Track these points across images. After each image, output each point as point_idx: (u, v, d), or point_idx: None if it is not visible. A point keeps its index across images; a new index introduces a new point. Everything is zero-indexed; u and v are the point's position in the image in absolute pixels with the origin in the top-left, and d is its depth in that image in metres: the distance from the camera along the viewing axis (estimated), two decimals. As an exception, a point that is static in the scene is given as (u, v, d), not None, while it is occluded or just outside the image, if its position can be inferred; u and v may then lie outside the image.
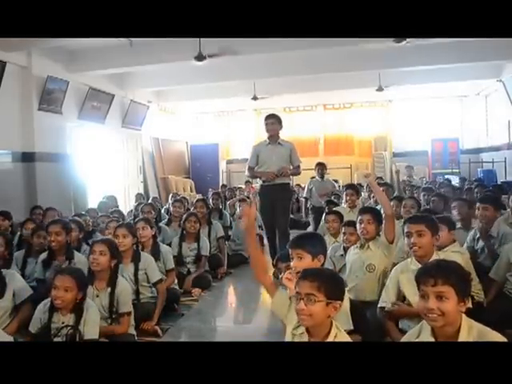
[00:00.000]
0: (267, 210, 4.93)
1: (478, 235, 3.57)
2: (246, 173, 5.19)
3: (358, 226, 3.14)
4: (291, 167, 4.96)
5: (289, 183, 5.11)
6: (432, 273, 1.71)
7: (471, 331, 1.68)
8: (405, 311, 2.56)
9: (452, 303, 1.66)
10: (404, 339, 1.92)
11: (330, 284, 1.78)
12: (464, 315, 1.71)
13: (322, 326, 1.77)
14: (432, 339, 1.71)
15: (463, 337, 1.67)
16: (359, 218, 3.14)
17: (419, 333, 1.81)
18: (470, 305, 1.73)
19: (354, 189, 4.94)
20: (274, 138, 4.93)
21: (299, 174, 5.16)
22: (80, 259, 3.45)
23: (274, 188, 4.84)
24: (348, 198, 4.84)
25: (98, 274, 2.92)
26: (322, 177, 7.07)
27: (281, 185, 4.84)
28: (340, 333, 1.80)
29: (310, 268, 2.19)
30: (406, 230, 2.60)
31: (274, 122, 4.94)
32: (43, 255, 3.54)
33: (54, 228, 3.45)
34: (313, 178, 7.46)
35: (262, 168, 4.93)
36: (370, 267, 3.02)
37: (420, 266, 2.53)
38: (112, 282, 2.91)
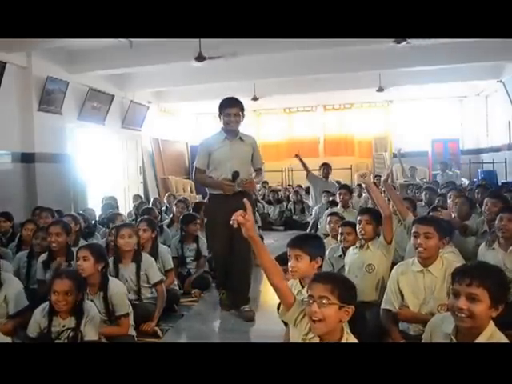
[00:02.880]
0: (221, 230, 3.45)
1: (483, 230, 3.63)
2: (193, 177, 3.92)
3: (357, 226, 3.14)
4: (252, 172, 3.75)
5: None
6: (469, 272, 1.68)
7: (491, 339, 1.65)
8: (411, 316, 2.53)
9: (483, 306, 1.62)
10: (430, 322, 1.97)
11: (344, 287, 1.75)
12: (492, 322, 1.67)
13: (334, 331, 1.74)
14: (452, 334, 1.72)
15: (480, 341, 1.65)
16: (358, 218, 3.15)
17: (442, 321, 1.84)
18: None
19: (346, 188, 5.07)
20: (234, 131, 3.66)
21: (262, 180, 3.94)
22: None
23: (231, 199, 3.45)
24: (341, 197, 4.93)
25: (88, 279, 2.85)
26: (327, 177, 6.96)
27: (241, 194, 3.34)
28: (350, 337, 1.78)
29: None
30: (413, 231, 2.58)
31: (237, 112, 3.60)
32: (43, 256, 3.53)
33: (55, 229, 3.44)
34: None
35: (217, 172, 3.60)
36: (370, 267, 3.02)
37: (422, 268, 2.53)
38: (103, 286, 2.88)
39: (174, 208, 5.51)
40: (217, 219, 3.50)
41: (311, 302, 1.72)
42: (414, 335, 2.49)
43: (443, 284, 2.45)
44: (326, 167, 6.94)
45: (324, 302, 1.69)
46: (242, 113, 3.65)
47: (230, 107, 3.58)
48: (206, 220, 3.93)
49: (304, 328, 1.84)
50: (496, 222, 3.00)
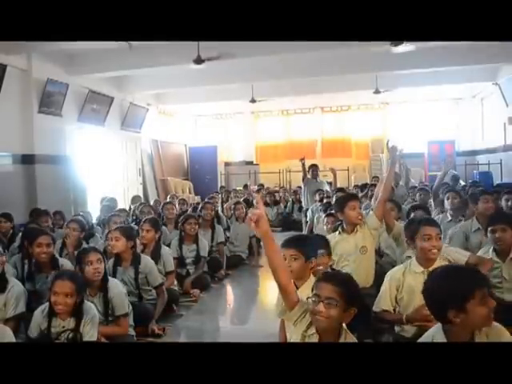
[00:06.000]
0: None
1: (474, 228, 3.64)
2: None
3: (352, 212, 3.19)
4: None
5: None
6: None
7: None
8: (393, 319, 2.53)
9: None
10: (422, 339, 1.81)
11: (352, 290, 1.77)
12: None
13: (335, 329, 1.76)
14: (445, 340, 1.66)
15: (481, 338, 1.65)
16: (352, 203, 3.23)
17: (432, 337, 1.73)
18: None
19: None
20: None
21: None
22: (66, 264, 3.35)
23: None
24: None
25: (88, 281, 2.83)
26: (316, 178, 7.20)
27: None
28: (349, 335, 1.80)
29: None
30: (425, 233, 2.50)
31: None
32: None
33: (45, 239, 3.26)
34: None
35: None
36: (363, 249, 3.11)
37: (422, 269, 2.45)
38: (103, 287, 2.91)
39: (164, 210, 5.57)
40: None
41: (317, 301, 1.73)
42: (410, 338, 2.43)
43: None
44: (314, 168, 7.22)
45: (331, 303, 1.71)
46: None
47: None
48: None
49: (304, 326, 1.85)
50: (489, 233, 2.97)
